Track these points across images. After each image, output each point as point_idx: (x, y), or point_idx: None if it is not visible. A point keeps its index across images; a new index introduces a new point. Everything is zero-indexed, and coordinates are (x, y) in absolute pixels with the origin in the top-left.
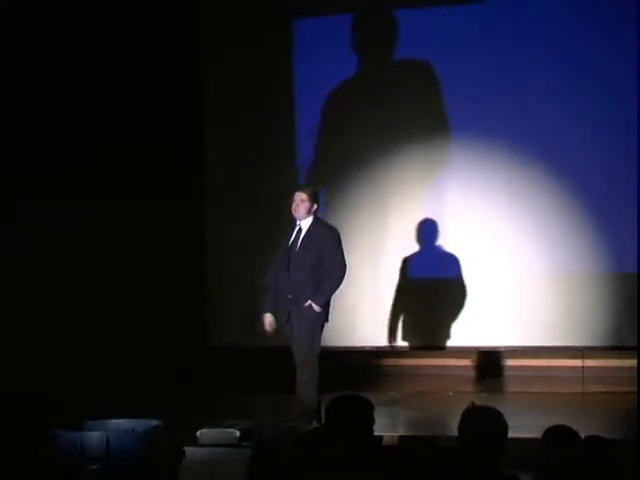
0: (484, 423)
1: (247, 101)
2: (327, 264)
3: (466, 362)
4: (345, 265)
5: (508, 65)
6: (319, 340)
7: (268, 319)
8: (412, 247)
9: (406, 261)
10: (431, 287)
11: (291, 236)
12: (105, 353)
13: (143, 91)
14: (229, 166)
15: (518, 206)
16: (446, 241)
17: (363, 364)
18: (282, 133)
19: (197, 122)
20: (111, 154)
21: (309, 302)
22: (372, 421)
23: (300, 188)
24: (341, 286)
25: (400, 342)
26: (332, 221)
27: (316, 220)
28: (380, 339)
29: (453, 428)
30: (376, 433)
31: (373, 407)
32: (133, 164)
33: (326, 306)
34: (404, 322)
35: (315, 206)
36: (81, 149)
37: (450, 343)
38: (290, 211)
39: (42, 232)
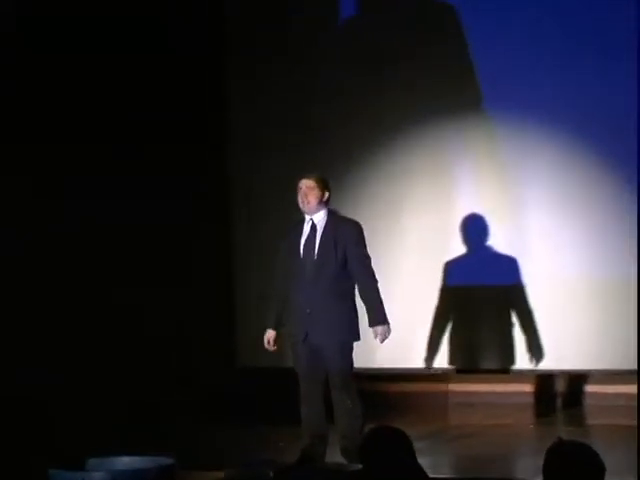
0: (576, 464)
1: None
2: (355, 269)
3: (524, 388)
4: (370, 259)
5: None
6: (352, 357)
7: (269, 337)
8: (446, 249)
9: (442, 266)
10: (473, 297)
11: (300, 235)
12: (115, 376)
13: (162, 89)
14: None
15: (571, 200)
16: (490, 241)
17: (388, 390)
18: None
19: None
20: (133, 155)
21: (378, 336)
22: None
23: (308, 175)
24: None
25: (438, 364)
26: None
27: (331, 213)
28: (407, 360)
29: (526, 468)
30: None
31: (411, 443)
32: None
33: (353, 320)
34: (442, 340)
35: (327, 194)
36: (96, 148)
37: (499, 365)
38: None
39: (44, 231)
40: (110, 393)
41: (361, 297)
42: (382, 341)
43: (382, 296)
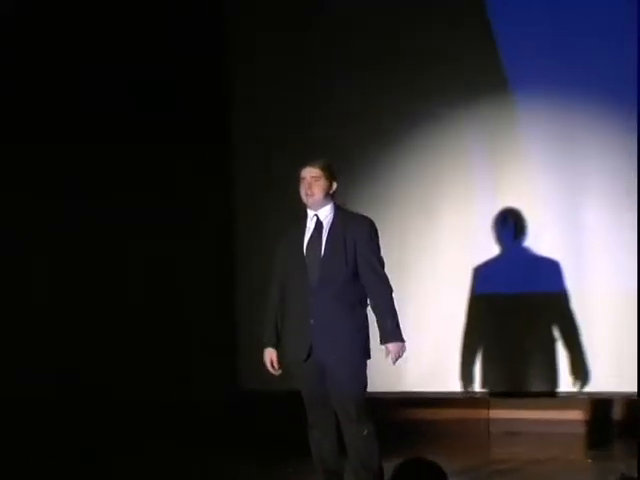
0: None
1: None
2: (366, 274)
3: (576, 414)
4: (383, 262)
5: None
6: (366, 381)
7: (270, 357)
8: (481, 253)
9: (476, 272)
10: (515, 307)
11: (303, 233)
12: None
13: (163, 89)
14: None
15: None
16: (532, 241)
17: (419, 417)
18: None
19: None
20: (130, 155)
21: (390, 354)
22: None
23: (312, 162)
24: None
25: (476, 386)
26: None
27: (338, 208)
28: (440, 382)
29: None
30: None
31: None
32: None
33: (364, 335)
34: (480, 358)
35: (334, 185)
36: (96, 148)
37: (547, 387)
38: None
39: (44, 231)
40: (103, 410)
41: (372, 307)
42: (395, 361)
43: (397, 308)
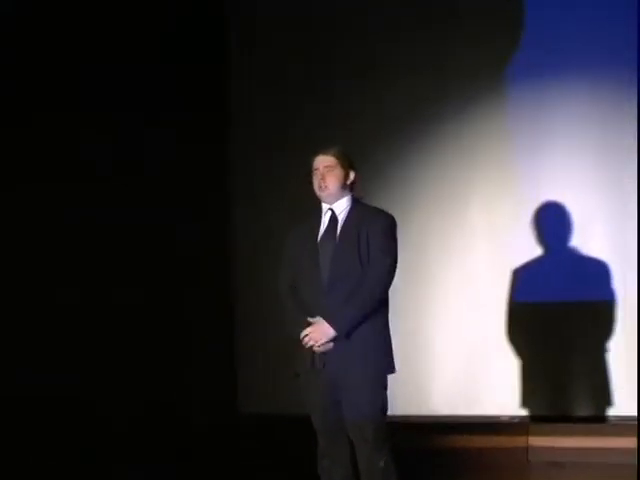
0: None
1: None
2: (369, 263)
3: (628, 442)
4: (393, 260)
5: None
6: (386, 399)
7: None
8: (516, 255)
9: (512, 278)
10: (557, 317)
11: (316, 229)
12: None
13: (162, 89)
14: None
15: None
16: (575, 243)
17: (447, 445)
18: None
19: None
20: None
21: (310, 339)
22: None
23: (324, 150)
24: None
25: (513, 410)
26: None
27: (357, 201)
28: (472, 405)
29: None
30: None
31: None
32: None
33: (384, 344)
34: (517, 376)
35: (351, 175)
36: (95, 148)
37: (595, 411)
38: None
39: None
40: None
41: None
42: (309, 345)
43: (421, 320)
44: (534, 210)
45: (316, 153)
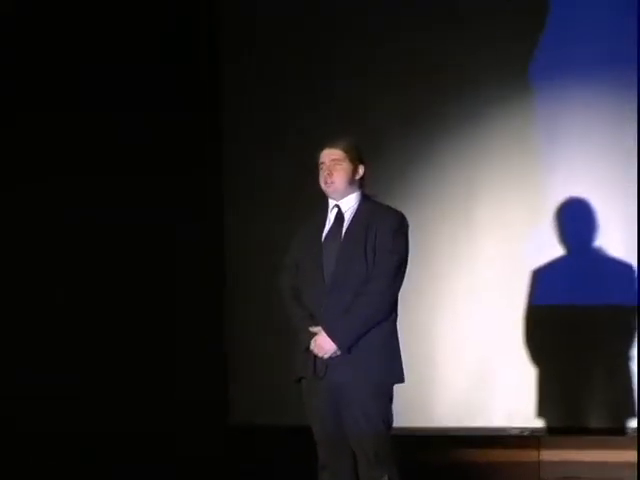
0: None
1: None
2: (374, 264)
3: None
4: (401, 261)
5: None
6: (391, 411)
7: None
8: (530, 256)
9: (525, 280)
10: (572, 322)
11: (321, 227)
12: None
13: (157, 90)
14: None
15: None
16: (597, 244)
17: (453, 460)
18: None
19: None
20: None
21: (315, 347)
22: None
23: (331, 143)
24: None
25: (524, 421)
26: None
27: (366, 198)
28: (478, 417)
29: None
30: None
31: None
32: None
33: (394, 351)
34: (529, 385)
35: (361, 170)
36: (90, 148)
37: (612, 423)
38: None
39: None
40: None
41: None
42: (314, 353)
43: (428, 324)
44: (551, 211)
45: (323, 146)
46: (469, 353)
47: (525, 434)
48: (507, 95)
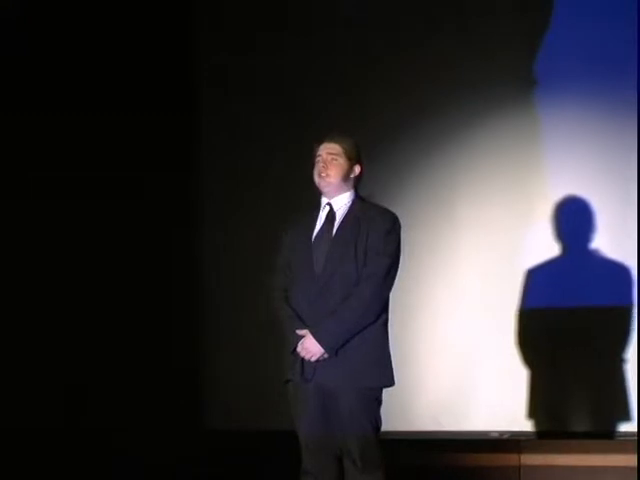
0: None
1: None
2: (364, 266)
3: (628, 460)
4: (391, 263)
5: None
6: (379, 416)
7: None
8: (516, 255)
9: (510, 280)
10: (559, 323)
11: (312, 226)
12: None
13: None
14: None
15: None
16: (591, 243)
17: (432, 464)
18: None
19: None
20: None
21: (302, 350)
22: None
23: (330, 137)
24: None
25: (505, 425)
26: None
27: (360, 198)
28: (459, 420)
29: None
30: None
31: None
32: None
33: (384, 354)
34: (512, 388)
35: (357, 169)
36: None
37: (598, 426)
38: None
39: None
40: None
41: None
42: (301, 357)
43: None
44: (548, 209)
45: (321, 140)
46: (450, 355)
47: (505, 437)
48: (502, 96)
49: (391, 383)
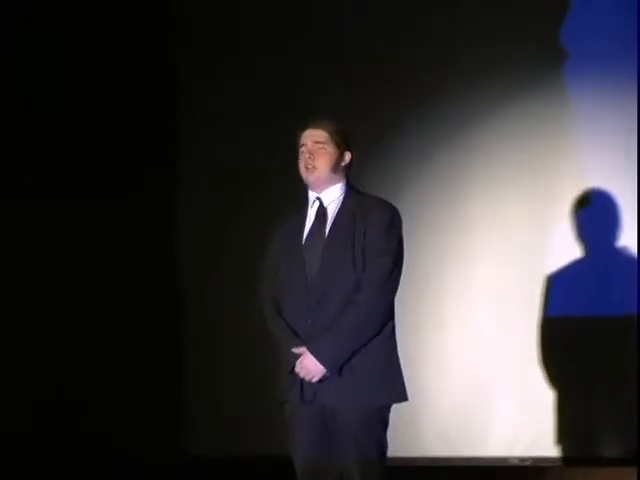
0: None
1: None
2: (364, 270)
3: None
4: (393, 263)
5: None
6: (385, 439)
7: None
8: (534, 261)
9: (530, 287)
10: (586, 336)
11: (301, 226)
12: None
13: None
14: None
15: None
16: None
17: None
18: None
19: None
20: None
21: (300, 370)
22: None
23: (315, 122)
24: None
25: (528, 450)
26: None
27: (353, 190)
28: (476, 444)
29: None
30: None
31: None
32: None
33: (392, 368)
34: (530, 410)
35: (347, 156)
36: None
37: (625, 452)
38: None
39: None
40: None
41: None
42: (301, 377)
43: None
44: (574, 206)
45: (304, 127)
46: (463, 370)
47: (527, 464)
48: (517, 87)
49: (403, 398)
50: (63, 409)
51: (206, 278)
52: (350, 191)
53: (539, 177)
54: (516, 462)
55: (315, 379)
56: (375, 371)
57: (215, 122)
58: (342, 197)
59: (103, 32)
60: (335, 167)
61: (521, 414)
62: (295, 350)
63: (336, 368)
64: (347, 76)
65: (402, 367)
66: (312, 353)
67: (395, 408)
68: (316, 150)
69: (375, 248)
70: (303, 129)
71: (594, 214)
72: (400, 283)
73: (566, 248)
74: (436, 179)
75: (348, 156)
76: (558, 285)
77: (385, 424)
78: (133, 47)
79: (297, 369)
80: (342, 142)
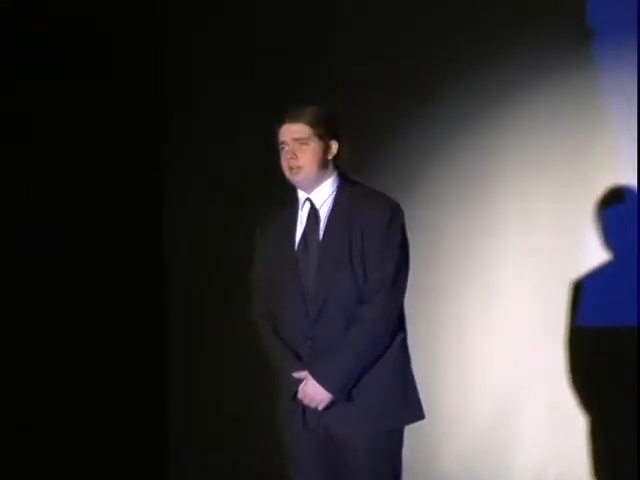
0: None
1: None
2: (366, 281)
3: None
4: (398, 267)
5: None
6: (400, 462)
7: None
8: (561, 265)
9: (557, 295)
10: (619, 347)
11: (293, 229)
12: None
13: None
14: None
15: None
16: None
17: None
18: None
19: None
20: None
21: (304, 397)
22: None
23: (292, 115)
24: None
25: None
26: None
27: (347, 183)
28: (498, 472)
29: None
30: None
31: None
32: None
33: (401, 381)
34: (560, 428)
35: (334, 147)
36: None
37: None
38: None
39: None
40: None
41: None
42: (306, 404)
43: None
44: (611, 205)
45: (281, 122)
46: (487, 389)
47: None
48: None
49: (419, 417)
50: (48, 416)
51: (197, 279)
52: (343, 185)
53: (573, 169)
54: None
55: (321, 407)
56: (386, 389)
57: (215, 122)
58: (335, 194)
59: (94, 28)
60: (322, 163)
61: (553, 439)
62: (296, 375)
63: (344, 393)
64: (347, 76)
65: (420, 385)
66: (315, 378)
67: (410, 428)
68: (298, 148)
69: (374, 253)
70: (280, 124)
71: (628, 215)
72: (418, 290)
73: (599, 252)
74: (452, 179)
75: (335, 146)
76: (594, 291)
77: (399, 448)
78: (133, 47)
79: (300, 395)
80: (326, 133)
